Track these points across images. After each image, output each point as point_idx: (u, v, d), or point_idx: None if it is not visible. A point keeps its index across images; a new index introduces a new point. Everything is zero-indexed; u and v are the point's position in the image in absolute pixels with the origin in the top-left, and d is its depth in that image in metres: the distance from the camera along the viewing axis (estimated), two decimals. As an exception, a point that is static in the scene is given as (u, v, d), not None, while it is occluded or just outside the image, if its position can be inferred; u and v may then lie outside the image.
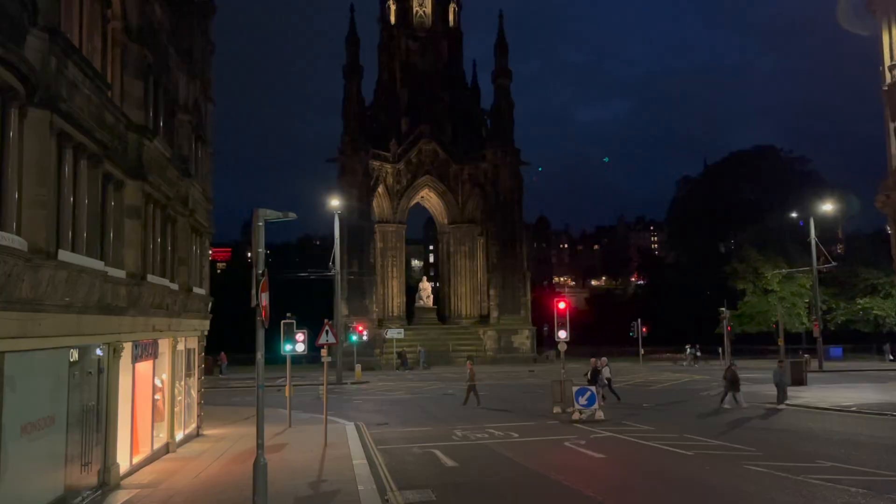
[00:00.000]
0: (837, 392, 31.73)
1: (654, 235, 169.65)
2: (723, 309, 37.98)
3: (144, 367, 17.05)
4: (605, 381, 28.45)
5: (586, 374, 28.21)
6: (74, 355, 12.57)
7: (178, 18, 20.64)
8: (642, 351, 61.34)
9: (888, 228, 28.81)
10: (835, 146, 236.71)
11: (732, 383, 27.03)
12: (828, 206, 53.98)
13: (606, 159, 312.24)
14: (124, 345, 14.87)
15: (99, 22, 14.08)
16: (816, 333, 42.30)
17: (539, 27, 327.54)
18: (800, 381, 34.78)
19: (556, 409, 26.08)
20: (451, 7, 70.32)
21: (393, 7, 68.76)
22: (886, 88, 26.47)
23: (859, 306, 65.20)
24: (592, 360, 29.61)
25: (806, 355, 46.88)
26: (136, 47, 16.11)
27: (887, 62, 26.45)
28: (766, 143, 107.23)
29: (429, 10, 69.89)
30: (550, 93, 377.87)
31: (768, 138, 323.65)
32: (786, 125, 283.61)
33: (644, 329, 61.30)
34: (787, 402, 27.18)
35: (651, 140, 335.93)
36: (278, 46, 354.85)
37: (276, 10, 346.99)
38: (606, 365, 29.22)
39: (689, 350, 58.96)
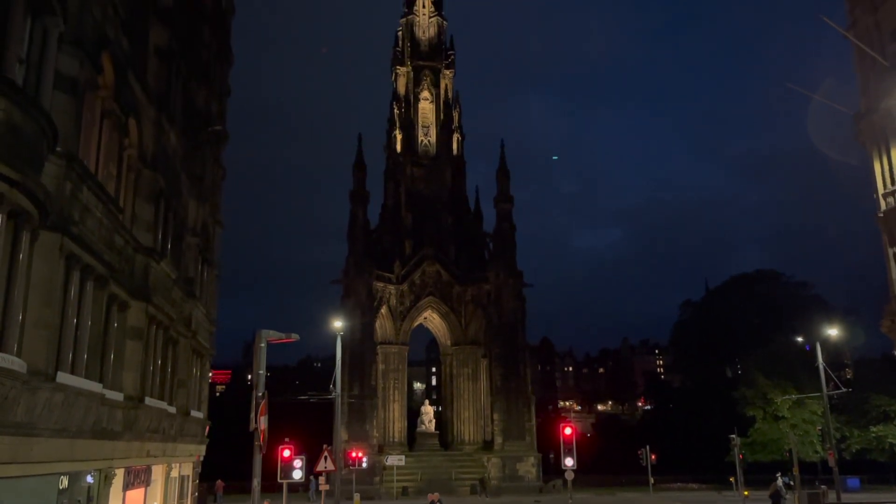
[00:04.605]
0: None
1: (659, 359, 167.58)
2: (733, 436, 36.84)
3: (135, 494, 16.42)
4: None
5: None
6: (64, 482, 12.12)
7: (192, 145, 21.42)
8: (652, 480, 59.00)
9: (895, 353, 28.54)
10: (833, 270, 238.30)
11: None
12: (834, 331, 53.54)
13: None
14: (116, 471, 14.39)
15: (116, 149, 14.59)
16: (832, 463, 40.81)
17: (532, 159, 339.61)
18: (818, 513, 33.30)
19: (564, 544, 24.86)
20: (455, 137, 73.09)
21: (399, 137, 71.57)
22: (882, 215, 26.96)
23: (873, 434, 63.40)
24: (430, 495, 29.78)
25: (823, 486, 45.07)
26: (149, 173, 16.60)
27: (881, 190, 27.07)
28: (764, 267, 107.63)
29: (433, 139, 72.71)
30: (547, 219, 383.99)
31: (766, 263, 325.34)
32: (782, 250, 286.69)
33: (653, 456, 59.24)
34: None
35: (649, 264, 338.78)
36: (285, 172, 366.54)
37: (286, 139, 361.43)
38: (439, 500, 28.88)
39: (780, 479, 51.93)
